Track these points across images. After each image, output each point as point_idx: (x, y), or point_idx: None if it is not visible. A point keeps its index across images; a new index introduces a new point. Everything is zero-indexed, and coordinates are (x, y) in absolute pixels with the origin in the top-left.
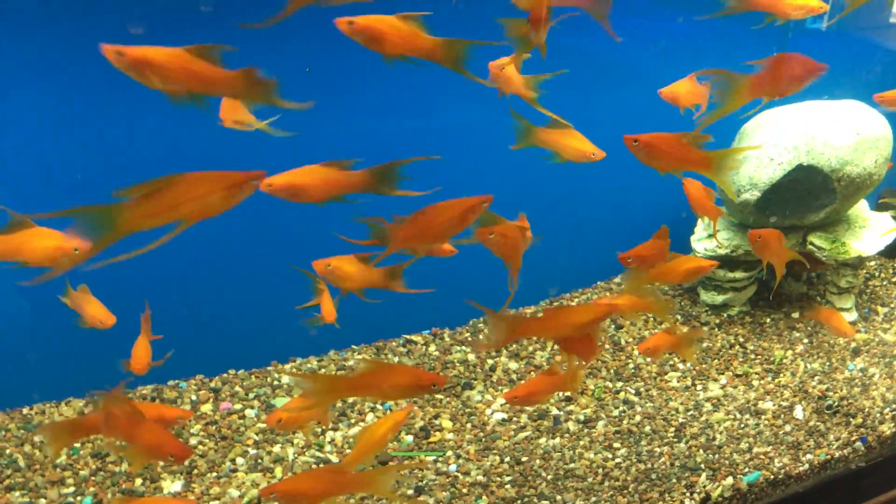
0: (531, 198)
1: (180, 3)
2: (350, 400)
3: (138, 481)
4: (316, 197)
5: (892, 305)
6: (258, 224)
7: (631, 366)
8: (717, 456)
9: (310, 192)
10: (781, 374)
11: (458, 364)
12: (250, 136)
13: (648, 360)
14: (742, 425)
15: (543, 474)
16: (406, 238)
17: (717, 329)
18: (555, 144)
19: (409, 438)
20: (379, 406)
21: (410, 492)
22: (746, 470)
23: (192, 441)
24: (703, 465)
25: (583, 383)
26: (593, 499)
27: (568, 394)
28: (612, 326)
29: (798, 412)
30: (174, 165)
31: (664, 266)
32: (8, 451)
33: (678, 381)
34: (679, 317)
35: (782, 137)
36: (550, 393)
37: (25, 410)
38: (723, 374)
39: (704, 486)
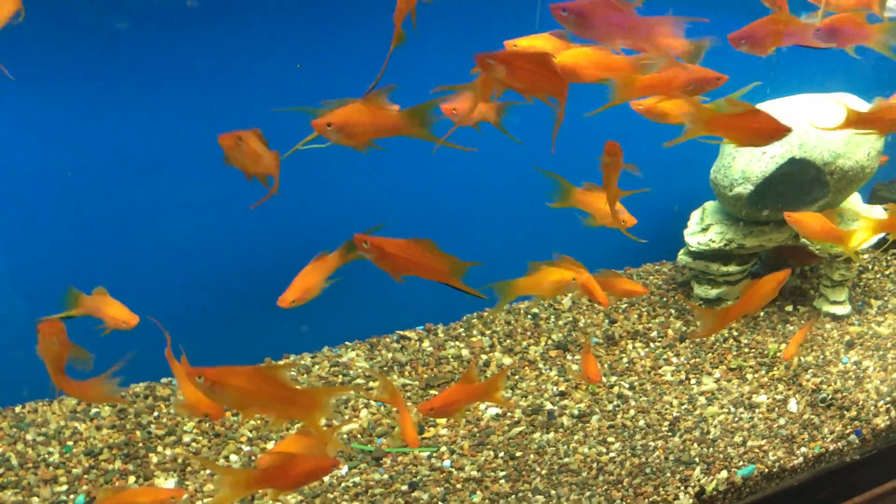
0: (528, 193)
1: None
2: (344, 397)
3: (131, 479)
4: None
5: (886, 298)
6: (252, 219)
7: (625, 360)
8: (711, 449)
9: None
10: (775, 368)
11: (452, 360)
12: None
13: (642, 353)
14: (736, 419)
15: (538, 469)
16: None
17: None
18: (589, 207)
19: None
20: (373, 403)
21: (405, 488)
22: (741, 463)
23: (186, 438)
24: (697, 459)
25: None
26: (588, 493)
27: (562, 388)
28: (606, 321)
29: (792, 405)
30: (167, 162)
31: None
32: (0, 450)
33: (672, 376)
34: (673, 311)
35: None
36: (468, 402)
37: (17, 409)
38: (717, 367)
39: (699, 480)
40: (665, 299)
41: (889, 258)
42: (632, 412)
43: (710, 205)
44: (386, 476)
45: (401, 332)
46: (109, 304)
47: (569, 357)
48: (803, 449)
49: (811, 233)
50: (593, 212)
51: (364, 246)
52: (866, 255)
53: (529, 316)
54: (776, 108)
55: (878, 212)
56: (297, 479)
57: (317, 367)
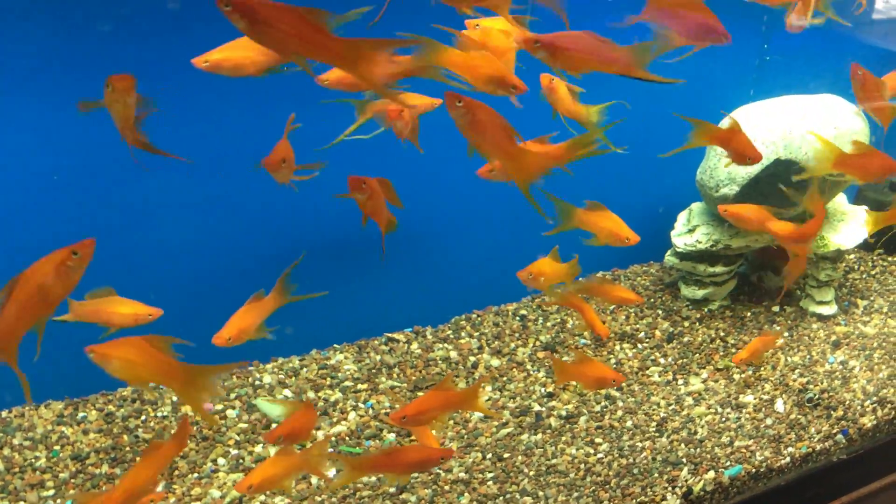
0: (515, 195)
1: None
2: (332, 399)
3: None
4: None
5: (872, 298)
6: (241, 220)
7: (612, 361)
8: (698, 450)
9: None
10: (762, 368)
11: (440, 361)
12: (225, 135)
13: (630, 354)
14: (723, 419)
15: (525, 470)
16: None
17: (697, 323)
18: (593, 226)
19: (391, 437)
20: (361, 405)
21: (392, 490)
22: (728, 463)
23: None
24: (684, 460)
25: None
26: (575, 494)
27: (550, 390)
28: None
29: (779, 405)
30: (157, 161)
31: None
32: None
33: (659, 376)
34: (660, 311)
35: (760, 132)
36: (444, 412)
37: (4, 413)
38: (704, 368)
39: (686, 480)
40: (652, 300)
41: (875, 258)
42: (619, 413)
43: (696, 206)
44: (374, 478)
45: (389, 335)
46: (123, 303)
47: (564, 359)
48: (790, 449)
49: (748, 225)
50: (597, 231)
51: (363, 187)
52: (853, 256)
53: (517, 317)
54: (761, 109)
55: (863, 212)
56: (410, 466)
57: (305, 369)
